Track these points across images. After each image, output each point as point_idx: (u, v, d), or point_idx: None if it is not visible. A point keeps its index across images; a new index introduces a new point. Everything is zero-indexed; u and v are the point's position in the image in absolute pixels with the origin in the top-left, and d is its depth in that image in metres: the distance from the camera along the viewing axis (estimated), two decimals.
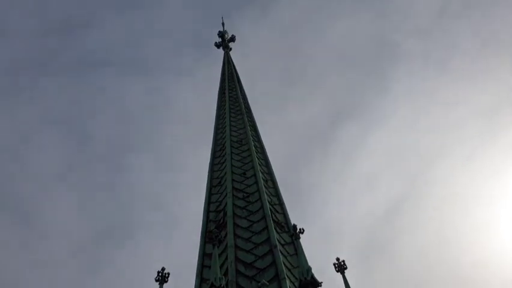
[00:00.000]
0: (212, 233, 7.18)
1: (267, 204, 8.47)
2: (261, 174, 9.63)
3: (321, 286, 6.11)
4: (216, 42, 17.12)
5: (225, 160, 10.34)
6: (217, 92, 14.75)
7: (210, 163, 10.62)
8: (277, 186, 9.69)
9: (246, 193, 9.00)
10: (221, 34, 17.13)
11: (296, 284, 6.51)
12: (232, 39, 17.08)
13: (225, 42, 16.93)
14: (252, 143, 11.01)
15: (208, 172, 10.27)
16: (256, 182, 9.25)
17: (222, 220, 8.19)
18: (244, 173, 9.80)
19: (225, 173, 9.77)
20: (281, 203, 9.01)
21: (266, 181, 9.75)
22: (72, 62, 30.14)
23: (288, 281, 6.67)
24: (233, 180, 9.39)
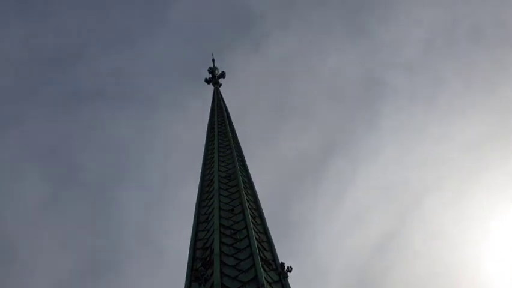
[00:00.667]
0: (198, 272, 7.13)
1: (255, 241, 8.46)
2: (249, 211, 9.66)
3: None
4: (206, 78, 17.60)
5: (213, 196, 10.38)
6: (206, 127, 15.00)
7: (197, 199, 10.66)
8: (266, 223, 9.72)
9: (234, 230, 9.00)
10: (211, 70, 17.64)
11: None
12: (222, 75, 17.59)
13: (214, 78, 17.42)
14: (241, 179, 11.11)
15: (195, 208, 10.28)
16: (244, 219, 9.27)
17: (208, 258, 8.14)
18: (232, 209, 9.83)
19: (213, 209, 9.79)
20: (269, 240, 9.00)
21: (254, 217, 9.78)
22: (60, 94, 30.51)
23: None
24: (220, 216, 9.39)
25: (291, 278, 7.43)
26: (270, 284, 7.64)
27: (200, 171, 12.21)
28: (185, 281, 7.79)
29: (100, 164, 28.77)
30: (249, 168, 12.47)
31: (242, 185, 10.86)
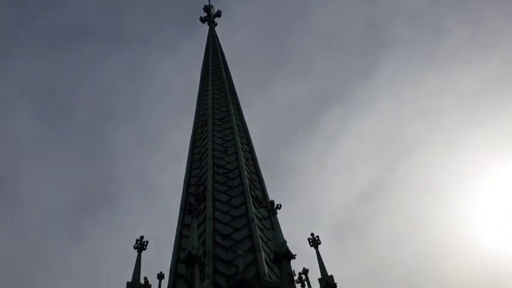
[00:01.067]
0: (191, 205, 7.58)
1: (247, 180, 8.93)
2: (242, 152, 10.05)
3: (294, 258, 6.61)
4: (201, 17, 17.18)
5: (207, 136, 10.70)
6: (200, 68, 14.96)
7: (191, 139, 10.96)
8: (258, 164, 10.14)
9: (227, 169, 9.43)
10: (206, 8, 17.18)
11: (271, 256, 7.02)
12: (218, 14, 17.17)
13: (210, 17, 17.01)
14: (235, 121, 11.37)
15: (189, 147, 10.62)
16: (237, 159, 9.68)
17: (201, 194, 8.62)
18: (226, 150, 10.20)
19: (206, 149, 10.15)
20: (260, 180, 9.47)
21: (247, 159, 10.18)
22: (50, 31, 29.60)
23: (263, 253, 7.20)
24: (214, 156, 9.78)
25: (280, 216, 7.83)
26: (259, 219, 8.20)
27: (194, 112, 12.40)
28: (179, 214, 8.32)
29: (92, 102, 28.70)
30: (242, 111, 12.69)
31: (236, 127, 11.15)
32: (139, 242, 7.32)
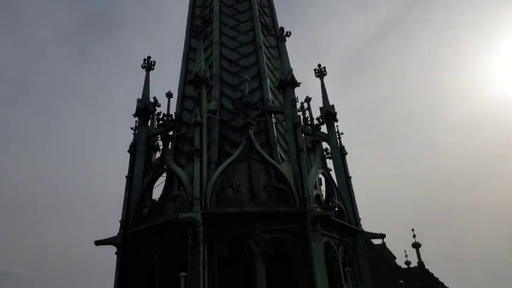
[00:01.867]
0: (198, 28, 7.56)
1: (256, 5, 8.69)
2: None
3: (298, 86, 6.97)
4: None
5: None
6: None
7: None
8: None
9: None
10: None
11: (276, 84, 7.38)
12: None
13: None
14: None
15: None
16: None
17: (208, 16, 8.51)
18: None
19: None
20: (271, 6, 9.22)
21: None
22: None
23: (268, 80, 7.55)
24: None
25: (289, 46, 7.83)
26: (267, 48, 8.31)
27: None
28: (185, 36, 8.38)
29: None
30: None
31: None
32: (146, 62, 7.61)
